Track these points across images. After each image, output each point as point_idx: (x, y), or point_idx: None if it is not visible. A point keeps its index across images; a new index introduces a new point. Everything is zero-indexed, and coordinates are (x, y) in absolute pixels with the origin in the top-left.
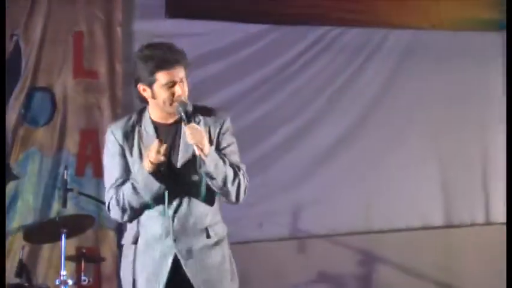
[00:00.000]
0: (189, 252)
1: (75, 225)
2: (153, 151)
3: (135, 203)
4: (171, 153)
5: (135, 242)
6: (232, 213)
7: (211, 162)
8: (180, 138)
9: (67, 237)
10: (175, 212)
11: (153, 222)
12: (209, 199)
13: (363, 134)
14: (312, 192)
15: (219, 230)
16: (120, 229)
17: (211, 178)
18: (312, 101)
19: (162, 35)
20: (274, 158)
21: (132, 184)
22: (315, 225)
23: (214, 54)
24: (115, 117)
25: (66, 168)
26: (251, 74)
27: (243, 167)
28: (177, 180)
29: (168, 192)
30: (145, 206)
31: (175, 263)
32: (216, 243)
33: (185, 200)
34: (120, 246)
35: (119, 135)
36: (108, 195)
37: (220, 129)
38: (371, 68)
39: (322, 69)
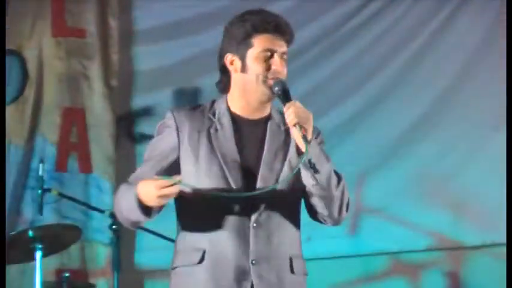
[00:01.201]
0: (270, 284)
1: (55, 239)
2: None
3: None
4: (255, 155)
5: (201, 261)
6: None
7: (315, 149)
8: (266, 139)
9: (44, 256)
10: (256, 226)
11: (225, 236)
12: (296, 218)
13: (451, 113)
14: (378, 193)
15: (301, 267)
16: (116, 243)
17: (315, 171)
18: (380, 68)
19: None
20: (326, 148)
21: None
22: (383, 239)
23: (233, 10)
24: (109, 90)
25: (42, 160)
26: (296, 31)
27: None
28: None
29: (248, 203)
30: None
31: None
32: (300, 284)
33: (267, 214)
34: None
35: (181, 120)
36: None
37: (316, 138)
38: (462, 22)
39: (394, 24)
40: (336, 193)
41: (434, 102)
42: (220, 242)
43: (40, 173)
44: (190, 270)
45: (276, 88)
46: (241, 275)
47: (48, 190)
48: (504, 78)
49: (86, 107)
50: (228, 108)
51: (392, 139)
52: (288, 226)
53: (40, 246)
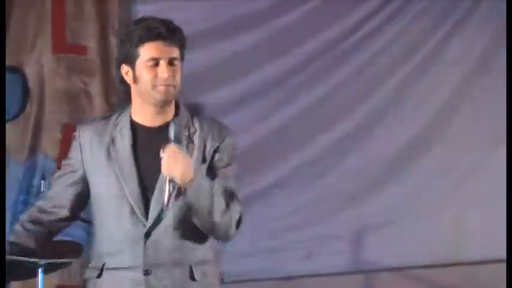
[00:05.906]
0: None
1: (56, 255)
2: None
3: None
4: (153, 166)
5: (99, 275)
6: (270, 240)
7: (195, 191)
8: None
9: (45, 272)
10: (148, 235)
11: (122, 248)
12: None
13: (450, 131)
14: (381, 209)
15: (210, 270)
16: None
17: (194, 213)
18: (378, 87)
19: None
20: (327, 164)
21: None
22: (385, 255)
23: (234, 25)
24: (110, 107)
25: (43, 177)
26: (286, 53)
27: (238, 194)
28: (156, 198)
29: (142, 214)
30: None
31: None
32: None
33: (162, 223)
34: None
35: (85, 136)
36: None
37: (219, 146)
38: (459, 42)
39: (389, 45)
40: (222, 219)
41: (434, 119)
42: (117, 254)
43: (42, 189)
44: (93, 283)
45: (171, 130)
46: (135, 286)
47: None
48: (501, 95)
49: None
50: (131, 118)
51: (393, 155)
52: (185, 233)
53: (42, 262)
